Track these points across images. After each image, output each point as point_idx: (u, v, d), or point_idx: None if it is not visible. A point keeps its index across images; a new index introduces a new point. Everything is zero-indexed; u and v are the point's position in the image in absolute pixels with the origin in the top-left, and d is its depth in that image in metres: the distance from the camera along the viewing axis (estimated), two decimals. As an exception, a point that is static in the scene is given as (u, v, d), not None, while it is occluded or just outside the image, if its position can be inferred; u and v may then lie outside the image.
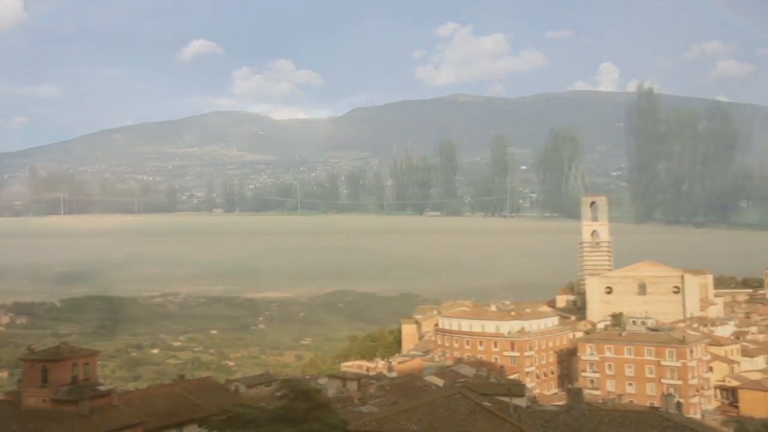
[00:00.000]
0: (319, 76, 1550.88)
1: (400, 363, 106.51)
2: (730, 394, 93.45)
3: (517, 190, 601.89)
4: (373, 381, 78.32)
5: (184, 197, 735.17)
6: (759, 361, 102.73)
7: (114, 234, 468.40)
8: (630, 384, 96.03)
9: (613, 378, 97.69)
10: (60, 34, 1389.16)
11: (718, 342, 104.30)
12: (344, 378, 78.83)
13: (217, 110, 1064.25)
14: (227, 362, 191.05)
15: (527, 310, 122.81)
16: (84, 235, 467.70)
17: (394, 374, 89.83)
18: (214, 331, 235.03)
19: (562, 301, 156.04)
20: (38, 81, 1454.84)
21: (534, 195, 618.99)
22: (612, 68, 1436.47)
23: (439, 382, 76.01)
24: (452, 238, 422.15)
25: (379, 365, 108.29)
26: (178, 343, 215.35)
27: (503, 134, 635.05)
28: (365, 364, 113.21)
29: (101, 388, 48.17)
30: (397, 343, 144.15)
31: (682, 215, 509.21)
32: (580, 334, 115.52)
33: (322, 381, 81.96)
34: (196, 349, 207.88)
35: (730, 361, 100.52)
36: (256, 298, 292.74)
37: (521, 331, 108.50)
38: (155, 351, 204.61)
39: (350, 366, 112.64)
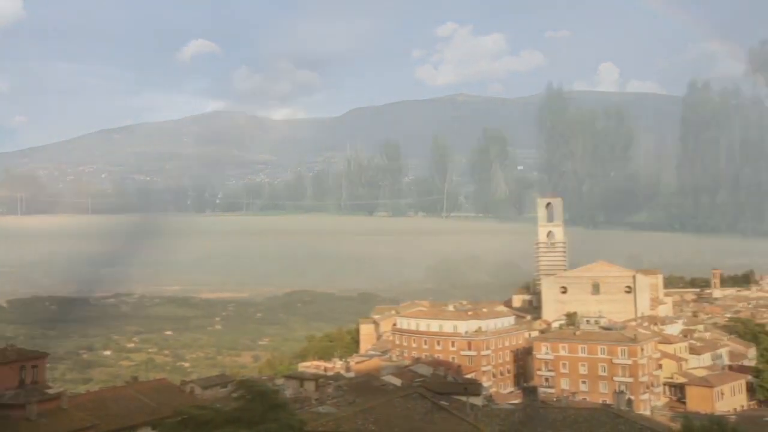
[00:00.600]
0: (318, 76, 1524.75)
1: (357, 363, 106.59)
2: (678, 391, 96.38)
3: (453, 191, 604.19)
4: (331, 381, 78.08)
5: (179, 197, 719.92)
6: (705, 359, 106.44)
7: (71, 234, 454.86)
8: (584, 382, 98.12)
9: (567, 376, 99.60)
10: (58, 31, 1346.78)
11: (667, 340, 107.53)
12: (302, 378, 78.12)
13: (216, 110, 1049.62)
14: (182, 363, 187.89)
15: (484, 310, 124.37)
16: (38, 234, 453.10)
17: (351, 374, 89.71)
18: (168, 332, 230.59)
19: (518, 300, 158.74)
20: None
21: (466, 196, 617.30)
22: (612, 68, 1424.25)
23: (397, 381, 76.17)
24: (398, 239, 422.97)
25: (337, 365, 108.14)
26: (132, 345, 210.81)
27: (442, 136, 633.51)
28: (323, 364, 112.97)
29: (50, 391, 47.00)
30: (355, 343, 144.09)
31: (584, 216, 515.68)
32: (535, 334, 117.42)
33: (280, 381, 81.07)
34: (150, 350, 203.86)
35: (679, 359, 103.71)
36: (213, 298, 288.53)
37: (478, 331, 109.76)
38: (107, 353, 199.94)
39: (308, 366, 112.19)
